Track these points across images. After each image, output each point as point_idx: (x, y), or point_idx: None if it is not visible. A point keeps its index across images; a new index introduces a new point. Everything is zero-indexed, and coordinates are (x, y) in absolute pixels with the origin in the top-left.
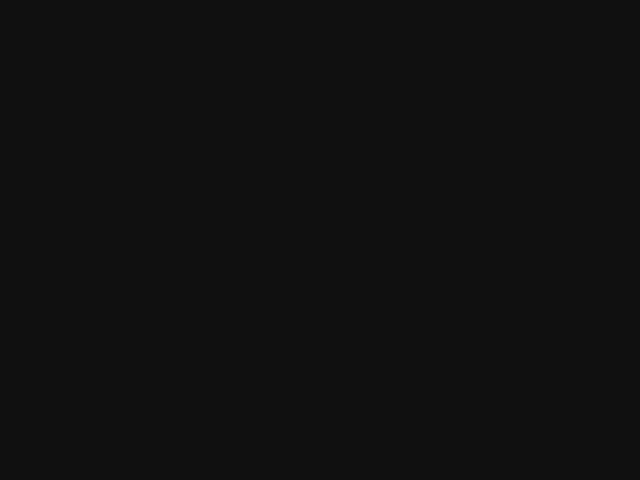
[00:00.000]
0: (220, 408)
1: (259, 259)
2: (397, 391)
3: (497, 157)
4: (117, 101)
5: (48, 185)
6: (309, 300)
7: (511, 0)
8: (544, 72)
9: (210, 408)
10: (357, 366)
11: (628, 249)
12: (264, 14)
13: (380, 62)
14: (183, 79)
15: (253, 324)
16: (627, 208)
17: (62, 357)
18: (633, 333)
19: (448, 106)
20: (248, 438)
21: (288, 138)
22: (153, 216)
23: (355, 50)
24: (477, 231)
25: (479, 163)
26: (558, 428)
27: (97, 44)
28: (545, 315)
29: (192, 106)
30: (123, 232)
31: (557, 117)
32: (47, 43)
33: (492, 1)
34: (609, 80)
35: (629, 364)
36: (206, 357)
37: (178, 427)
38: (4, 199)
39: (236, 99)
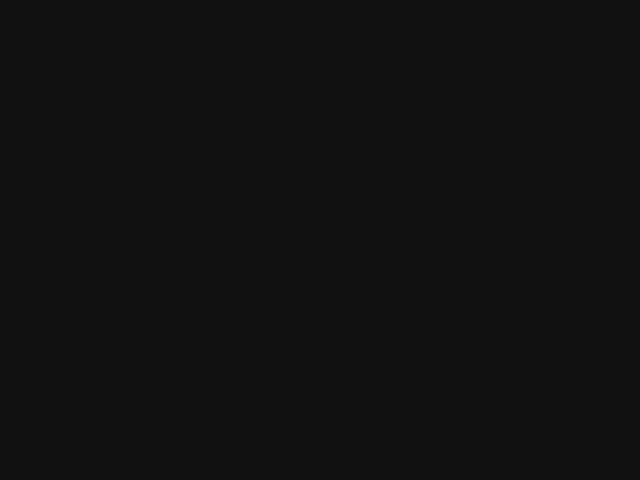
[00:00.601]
0: (220, 408)
1: (259, 259)
2: (397, 391)
3: (497, 157)
4: (117, 101)
5: (48, 185)
6: (309, 300)
7: (511, 0)
8: (544, 72)
9: (210, 408)
10: (357, 366)
11: (628, 249)
12: (264, 14)
13: (380, 62)
14: (183, 79)
15: (253, 324)
16: (627, 208)
17: (62, 357)
18: (633, 333)
19: (448, 106)
20: (248, 438)
21: (288, 138)
22: (153, 216)
23: (355, 50)
24: (477, 231)
25: (479, 163)
26: (558, 428)
27: (97, 44)
28: (545, 315)
29: (192, 106)
30: (123, 232)
31: (557, 117)
32: (47, 43)
33: (492, 1)
34: (609, 80)
35: (629, 364)
36: (206, 357)
37: (178, 427)
38: (4, 199)
39: (236, 99)
